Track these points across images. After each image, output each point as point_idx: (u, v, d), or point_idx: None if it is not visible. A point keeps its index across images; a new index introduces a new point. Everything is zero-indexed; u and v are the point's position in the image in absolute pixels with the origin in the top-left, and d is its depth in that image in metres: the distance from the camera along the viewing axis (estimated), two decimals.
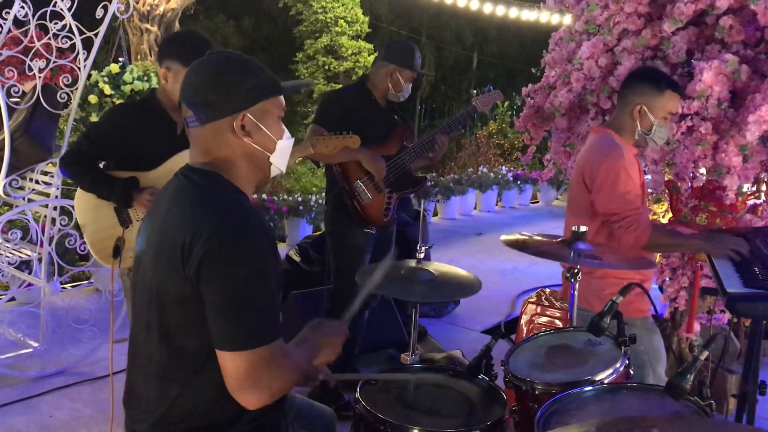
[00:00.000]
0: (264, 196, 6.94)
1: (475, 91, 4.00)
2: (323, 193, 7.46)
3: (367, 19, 13.77)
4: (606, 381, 1.85)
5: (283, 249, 6.60)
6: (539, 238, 2.40)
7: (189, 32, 2.85)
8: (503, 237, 2.35)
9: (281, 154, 1.64)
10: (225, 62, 1.56)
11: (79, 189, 2.74)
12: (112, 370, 2.78)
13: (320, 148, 2.89)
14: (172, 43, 2.66)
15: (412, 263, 2.44)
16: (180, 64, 2.59)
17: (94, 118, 6.11)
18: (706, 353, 1.61)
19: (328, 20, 13.15)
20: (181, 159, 2.65)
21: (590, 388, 1.78)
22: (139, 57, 11.20)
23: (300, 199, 7.13)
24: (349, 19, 13.30)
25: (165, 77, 2.65)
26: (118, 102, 6.15)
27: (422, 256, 2.46)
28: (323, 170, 10.70)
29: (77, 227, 2.81)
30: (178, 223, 1.50)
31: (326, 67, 13.16)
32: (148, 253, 1.59)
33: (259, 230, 1.50)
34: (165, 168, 2.66)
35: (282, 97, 1.64)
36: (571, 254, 2.14)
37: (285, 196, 7.19)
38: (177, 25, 11.78)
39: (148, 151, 2.66)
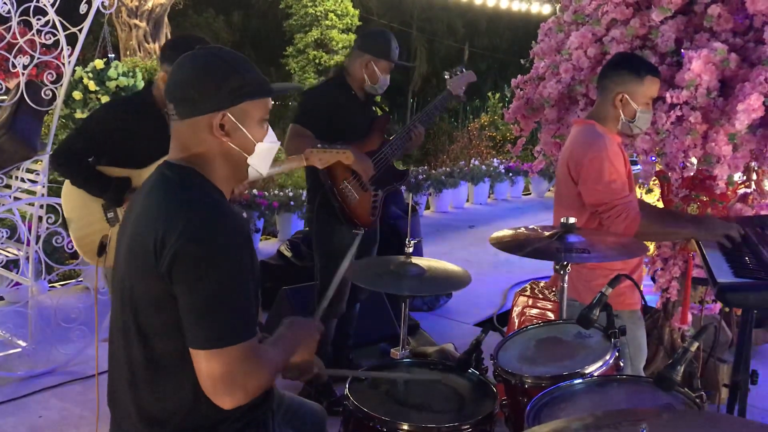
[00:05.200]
0: (255, 191, 6.91)
1: (447, 74, 4.00)
2: None
3: (357, 12, 13.74)
4: (596, 374, 1.84)
5: (274, 244, 6.59)
6: (527, 231, 2.38)
7: (194, 39, 2.69)
8: (492, 237, 2.33)
9: (261, 157, 1.60)
10: (211, 59, 1.53)
11: (67, 183, 2.70)
12: (97, 370, 2.76)
13: (313, 161, 2.80)
14: (177, 49, 2.52)
15: (402, 258, 2.43)
16: None
17: (79, 115, 6.05)
18: (695, 345, 1.60)
19: (318, 14, 13.11)
20: None
21: (580, 381, 1.76)
22: (128, 53, 11.15)
23: (291, 194, 7.10)
24: (339, 13, 13.27)
25: (164, 80, 2.61)
26: (102, 98, 6.09)
27: (411, 250, 2.44)
28: None
29: (64, 223, 2.77)
30: (150, 220, 1.48)
31: (317, 61, 13.14)
32: (122, 251, 1.57)
33: (232, 227, 1.47)
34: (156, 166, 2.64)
35: (268, 100, 1.60)
36: (562, 254, 2.12)
37: (276, 191, 7.16)
38: (166, 20, 11.73)
39: (141, 149, 2.62)
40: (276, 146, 1.64)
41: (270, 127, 1.63)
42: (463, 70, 3.54)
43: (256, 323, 1.49)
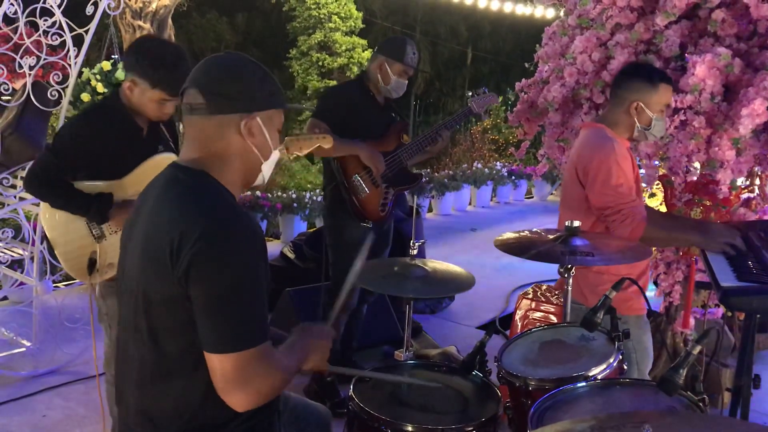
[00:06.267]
0: (258, 192, 6.92)
1: (470, 93, 4.11)
2: (317, 190, 7.49)
3: (360, 14, 13.76)
4: (599, 376, 1.84)
5: (277, 246, 6.60)
6: (532, 235, 2.39)
7: (161, 45, 2.52)
8: (497, 239, 2.34)
9: (270, 164, 1.66)
10: (246, 62, 1.58)
11: (45, 205, 2.57)
12: (97, 371, 2.76)
13: (293, 149, 2.82)
14: (142, 58, 2.43)
15: (406, 260, 2.43)
16: (147, 84, 2.42)
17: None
18: (698, 348, 1.61)
19: (322, 16, 13.13)
20: (153, 164, 2.52)
21: (583, 383, 1.77)
22: None
23: (294, 195, 7.11)
24: (343, 15, 13.28)
25: (130, 90, 2.48)
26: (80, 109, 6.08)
27: (415, 252, 2.45)
28: (318, 167, 10.70)
29: (48, 245, 2.63)
30: (165, 222, 1.48)
31: (320, 63, 13.15)
32: (134, 253, 1.56)
33: (249, 231, 1.49)
34: (137, 174, 2.53)
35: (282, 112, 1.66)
36: (566, 257, 2.13)
37: (279, 193, 7.17)
38: (170, 22, 11.75)
39: (117, 159, 2.52)
40: (278, 155, 1.69)
41: None
42: (486, 91, 3.66)
43: (268, 326, 1.51)
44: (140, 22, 11.32)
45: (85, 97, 5.86)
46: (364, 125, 3.28)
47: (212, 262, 1.41)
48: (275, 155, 1.65)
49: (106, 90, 5.92)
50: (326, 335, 1.75)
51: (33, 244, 3.76)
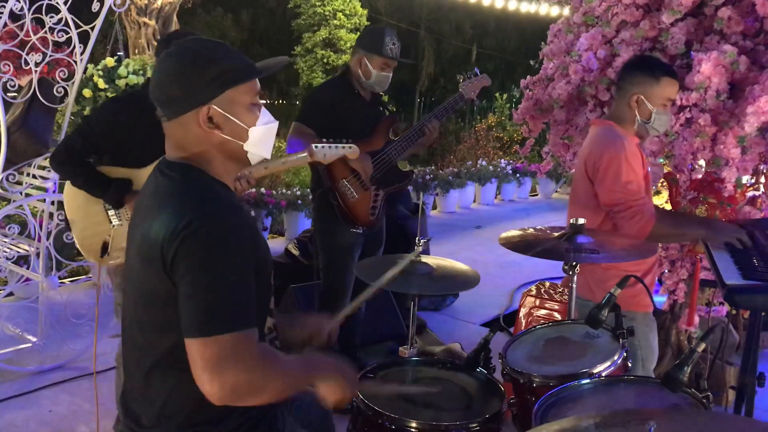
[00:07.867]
0: (263, 189, 6.93)
1: (460, 77, 4.01)
2: None
3: (365, 11, 13.77)
4: (604, 374, 1.85)
5: (281, 243, 6.61)
6: (536, 232, 2.39)
7: (184, 36, 2.58)
8: (502, 237, 2.34)
9: (258, 141, 1.58)
10: (187, 54, 1.51)
11: (68, 183, 2.70)
12: (95, 367, 2.78)
13: (317, 157, 2.73)
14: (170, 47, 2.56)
15: (411, 256, 2.43)
16: None
17: (87, 113, 6.10)
18: (703, 345, 1.61)
19: (327, 13, 13.14)
20: None
21: (588, 380, 1.78)
22: (137, 51, 11.18)
23: (299, 192, 7.12)
24: (348, 12, 13.29)
25: None
26: (111, 96, 6.13)
27: (421, 249, 2.45)
28: None
29: (67, 224, 2.76)
30: (157, 219, 1.48)
31: (325, 61, 13.16)
32: (134, 251, 1.57)
33: (236, 220, 1.47)
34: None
35: (255, 82, 1.56)
36: (571, 254, 2.13)
37: (284, 190, 7.18)
38: (175, 18, 11.76)
39: (142, 147, 2.56)
40: (274, 125, 1.62)
41: (264, 108, 1.60)
42: (477, 73, 3.51)
43: (252, 316, 1.46)
44: (145, 19, 11.35)
45: (87, 92, 5.88)
46: (351, 124, 3.13)
47: (194, 249, 1.40)
48: (259, 130, 1.56)
49: (107, 86, 5.93)
50: (351, 382, 1.64)
51: (39, 240, 3.77)
